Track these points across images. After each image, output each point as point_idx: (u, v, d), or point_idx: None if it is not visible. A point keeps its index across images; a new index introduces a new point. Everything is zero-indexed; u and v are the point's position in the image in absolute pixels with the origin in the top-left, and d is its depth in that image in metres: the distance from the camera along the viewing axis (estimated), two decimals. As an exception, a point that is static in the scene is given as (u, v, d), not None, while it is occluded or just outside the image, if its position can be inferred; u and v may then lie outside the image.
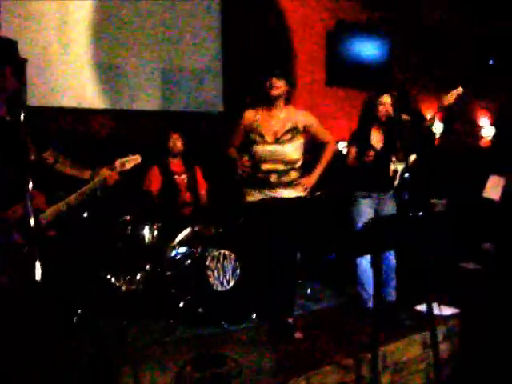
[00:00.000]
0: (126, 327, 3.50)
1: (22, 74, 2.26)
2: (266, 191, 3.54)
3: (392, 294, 4.01)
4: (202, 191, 4.75)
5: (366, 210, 3.94)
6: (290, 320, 3.49)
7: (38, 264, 2.10)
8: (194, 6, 5.41)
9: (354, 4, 6.73)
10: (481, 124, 8.20)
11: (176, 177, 4.61)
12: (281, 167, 3.52)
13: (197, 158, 4.82)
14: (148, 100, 5.17)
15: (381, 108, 3.92)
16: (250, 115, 3.60)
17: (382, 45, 6.81)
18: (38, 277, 2.20)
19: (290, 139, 3.52)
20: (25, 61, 2.27)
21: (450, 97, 3.88)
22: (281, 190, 3.53)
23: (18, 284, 2.98)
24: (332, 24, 6.54)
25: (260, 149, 3.52)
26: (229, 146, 3.67)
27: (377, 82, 6.19)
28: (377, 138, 4.00)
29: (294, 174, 3.57)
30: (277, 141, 3.51)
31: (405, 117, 3.89)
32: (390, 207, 4.00)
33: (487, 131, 8.17)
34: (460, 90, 3.86)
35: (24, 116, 2.19)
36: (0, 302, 2.54)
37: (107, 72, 4.96)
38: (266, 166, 3.52)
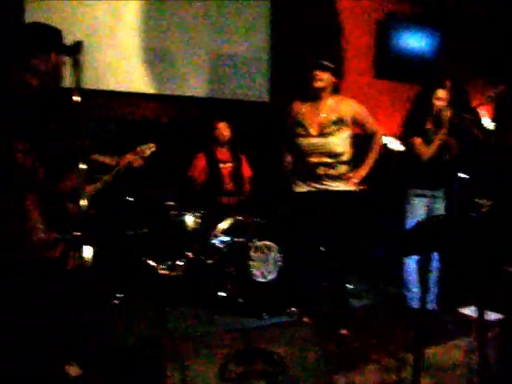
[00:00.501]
0: (167, 314, 3.52)
1: (77, 54, 2.27)
2: (314, 183, 3.52)
3: (433, 303, 3.94)
4: (247, 180, 4.73)
5: (419, 209, 3.86)
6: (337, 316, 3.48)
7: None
8: (245, -6, 5.36)
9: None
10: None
11: (221, 165, 4.60)
12: (327, 160, 3.47)
13: (243, 147, 4.79)
14: (195, 87, 5.14)
15: (437, 103, 3.82)
16: (296, 108, 3.58)
17: (433, 37, 6.64)
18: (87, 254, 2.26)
19: (335, 131, 3.46)
20: (79, 43, 2.29)
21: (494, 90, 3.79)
22: (328, 182, 3.50)
23: (67, 261, 3.06)
24: (382, 15, 6.40)
25: (304, 142, 3.51)
26: (282, 142, 3.73)
27: (427, 76, 6.05)
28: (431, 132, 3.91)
29: (342, 168, 3.52)
30: (321, 133, 3.47)
31: (463, 114, 3.79)
32: (442, 206, 3.91)
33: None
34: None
35: (81, 98, 2.24)
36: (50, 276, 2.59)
37: (156, 57, 4.95)
38: (312, 159, 3.49)
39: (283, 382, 2.14)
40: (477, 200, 3.43)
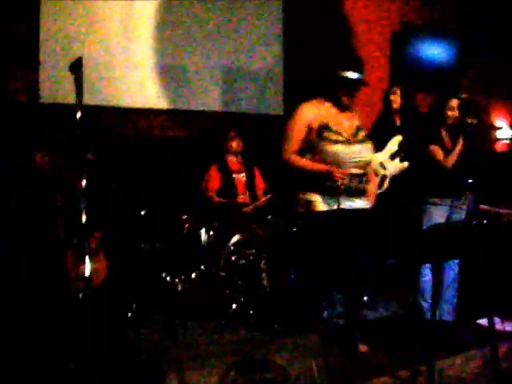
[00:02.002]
0: (178, 327, 3.52)
1: (79, 71, 2.32)
2: (343, 200, 3.05)
3: (450, 313, 3.88)
4: (260, 192, 4.73)
5: (437, 219, 3.79)
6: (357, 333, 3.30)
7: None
8: (257, 9, 5.40)
9: (421, 4, 6.54)
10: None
11: (235, 175, 4.62)
12: (359, 171, 3.11)
13: (256, 160, 4.80)
14: (208, 101, 5.20)
15: (449, 113, 3.82)
16: (311, 110, 3.15)
17: (449, 47, 6.59)
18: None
19: (365, 138, 3.19)
20: (80, 59, 2.33)
21: None
22: (356, 199, 3.13)
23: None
24: (397, 25, 6.38)
25: (339, 149, 3.06)
26: (287, 152, 3.14)
27: (443, 85, 6.01)
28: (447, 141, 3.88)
29: (366, 181, 3.18)
30: (356, 139, 3.13)
31: (472, 120, 3.75)
32: (462, 216, 3.85)
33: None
34: None
35: (80, 115, 2.28)
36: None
37: (168, 72, 5.01)
38: (345, 170, 3.06)
39: (284, 392, 2.12)
40: (482, 206, 3.37)
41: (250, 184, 4.65)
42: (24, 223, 3.45)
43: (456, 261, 3.81)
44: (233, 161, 4.67)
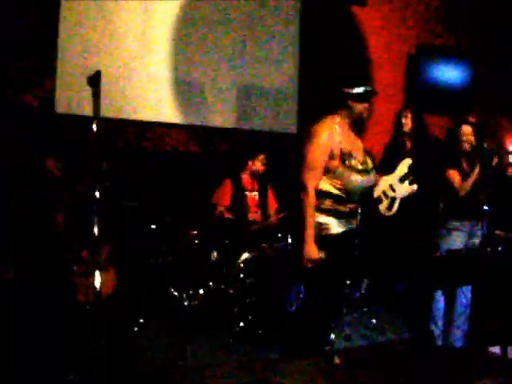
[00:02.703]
0: (186, 344, 3.48)
1: (96, 85, 2.32)
2: (350, 223, 3.08)
3: (460, 340, 3.82)
4: (272, 210, 4.70)
5: (458, 244, 3.77)
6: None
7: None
8: (273, 26, 5.43)
9: (437, 27, 6.54)
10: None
11: (247, 193, 4.60)
12: (362, 198, 3.11)
13: (270, 178, 4.79)
14: (223, 117, 5.21)
15: (464, 138, 3.86)
16: (328, 134, 2.99)
17: (464, 70, 6.58)
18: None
19: (372, 164, 3.16)
20: (99, 73, 2.33)
21: None
22: (354, 220, 3.15)
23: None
24: (413, 47, 6.38)
25: (359, 179, 3.00)
26: (309, 182, 2.95)
27: (458, 108, 5.98)
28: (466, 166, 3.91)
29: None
30: (369, 167, 3.10)
31: (488, 145, 3.78)
32: (477, 241, 3.83)
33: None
34: None
35: (96, 127, 2.29)
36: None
37: (184, 88, 5.05)
38: (355, 198, 3.05)
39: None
40: (497, 232, 3.34)
41: (262, 202, 4.63)
42: (25, 225, 3.48)
43: (469, 287, 3.76)
44: (247, 178, 4.66)
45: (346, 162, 2.98)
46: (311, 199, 2.95)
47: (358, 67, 5.97)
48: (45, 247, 3.60)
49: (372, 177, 3.13)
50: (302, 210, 2.95)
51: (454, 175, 3.86)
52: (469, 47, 6.66)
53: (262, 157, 4.61)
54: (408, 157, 4.35)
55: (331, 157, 2.97)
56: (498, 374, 3.21)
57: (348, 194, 3.00)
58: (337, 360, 3.26)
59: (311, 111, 5.39)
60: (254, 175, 4.65)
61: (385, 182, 4.30)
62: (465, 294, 3.79)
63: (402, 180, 4.28)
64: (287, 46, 5.51)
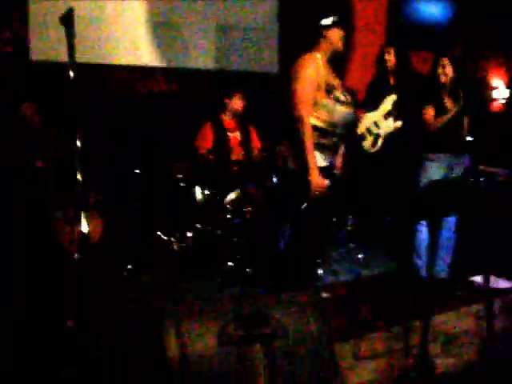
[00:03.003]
0: (177, 285, 3.54)
1: (70, 24, 2.16)
2: (332, 157, 3.23)
3: (445, 271, 3.90)
4: (256, 150, 4.67)
5: (433, 175, 3.80)
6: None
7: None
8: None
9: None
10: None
11: (229, 134, 4.56)
12: (345, 132, 3.24)
13: (251, 119, 4.75)
14: (202, 58, 5.11)
15: (440, 70, 3.81)
16: (314, 68, 3.11)
17: (448, 3, 6.50)
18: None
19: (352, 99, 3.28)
20: (71, 10, 2.16)
21: None
22: (337, 156, 3.33)
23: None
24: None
25: (343, 110, 3.15)
26: (302, 111, 3.06)
27: (439, 44, 5.93)
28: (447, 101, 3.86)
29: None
30: (350, 101, 3.22)
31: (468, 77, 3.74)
32: (459, 174, 3.85)
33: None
34: None
35: (74, 73, 2.14)
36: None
37: (162, 29, 4.92)
38: (338, 131, 3.18)
39: (281, 346, 2.13)
40: (483, 167, 3.36)
41: (245, 142, 4.60)
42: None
43: (452, 219, 3.82)
44: (228, 119, 4.61)
45: (331, 94, 3.10)
46: (309, 129, 3.06)
47: (338, 3, 5.84)
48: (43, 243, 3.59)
49: (353, 111, 3.24)
50: (301, 142, 3.05)
51: (427, 111, 3.83)
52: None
53: (239, 94, 4.56)
54: (392, 93, 4.34)
55: (317, 88, 3.08)
56: (478, 302, 3.34)
57: (332, 127, 3.13)
58: (324, 294, 3.38)
59: (293, 49, 5.31)
60: (235, 114, 4.59)
61: (369, 119, 4.31)
62: (448, 226, 3.85)
63: (386, 116, 4.30)
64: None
